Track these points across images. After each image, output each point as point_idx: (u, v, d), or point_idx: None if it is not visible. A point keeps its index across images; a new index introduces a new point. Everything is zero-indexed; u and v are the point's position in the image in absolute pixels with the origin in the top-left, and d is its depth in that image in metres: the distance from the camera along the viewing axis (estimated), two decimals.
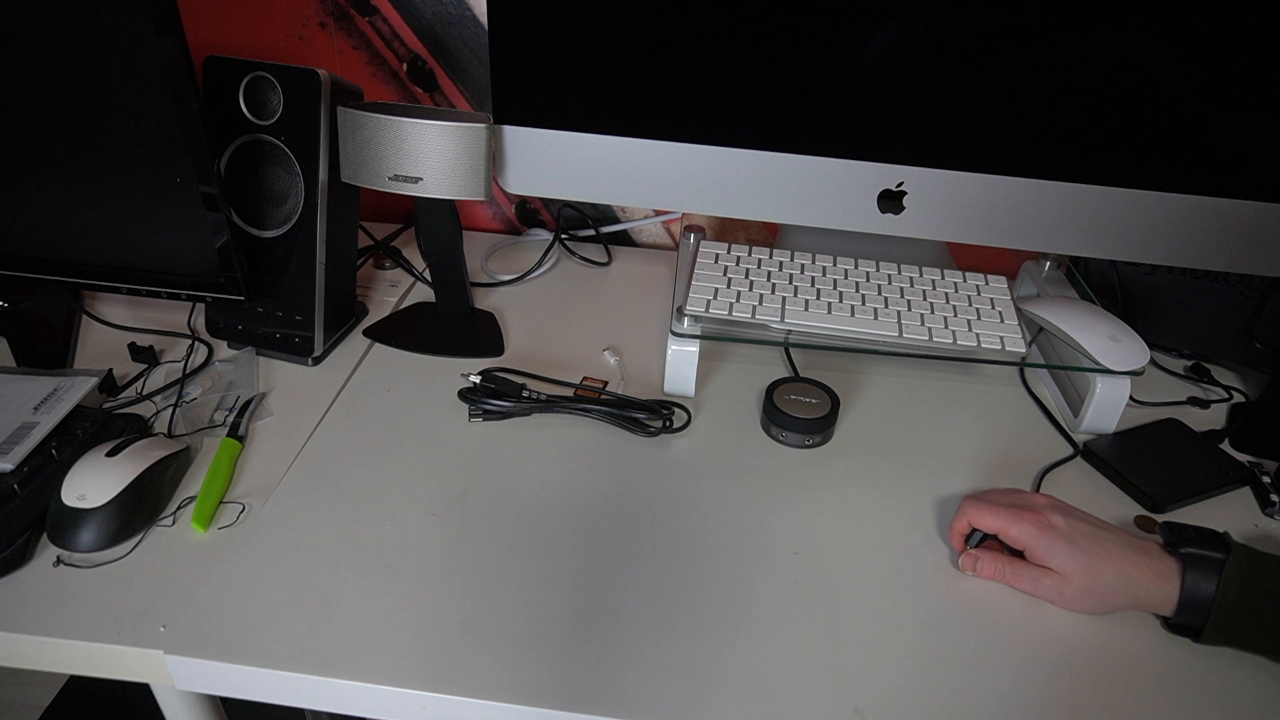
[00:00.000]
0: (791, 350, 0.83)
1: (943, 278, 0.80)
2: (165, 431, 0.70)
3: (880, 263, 0.81)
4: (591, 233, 1.04)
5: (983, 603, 0.58)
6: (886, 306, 0.75)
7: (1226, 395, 0.81)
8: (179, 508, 0.63)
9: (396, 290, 0.92)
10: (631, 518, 0.64)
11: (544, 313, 0.90)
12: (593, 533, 0.62)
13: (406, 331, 0.84)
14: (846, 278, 0.79)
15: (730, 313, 0.74)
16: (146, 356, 0.79)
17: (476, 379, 0.73)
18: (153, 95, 0.64)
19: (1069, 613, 0.58)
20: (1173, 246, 0.73)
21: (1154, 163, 0.69)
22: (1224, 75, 0.65)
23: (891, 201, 0.74)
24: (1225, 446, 0.74)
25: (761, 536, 0.63)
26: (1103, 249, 0.74)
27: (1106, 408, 0.73)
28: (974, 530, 0.60)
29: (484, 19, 0.92)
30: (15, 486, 0.61)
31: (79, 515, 0.59)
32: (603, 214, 1.05)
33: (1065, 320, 0.74)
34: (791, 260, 0.81)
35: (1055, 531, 0.57)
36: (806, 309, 0.74)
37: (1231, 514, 0.67)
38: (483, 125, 0.70)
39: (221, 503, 0.64)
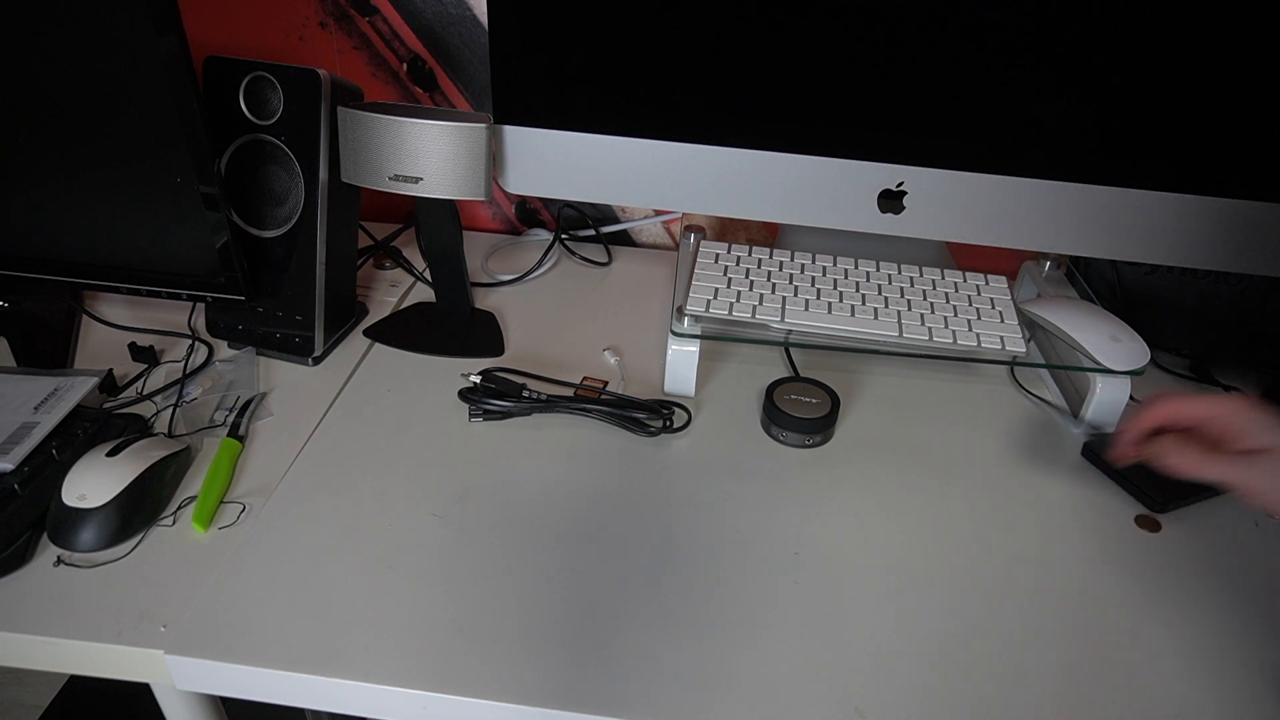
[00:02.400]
0: (791, 350, 0.83)
1: (943, 278, 0.80)
2: (165, 431, 0.70)
3: (880, 263, 0.81)
4: (591, 233, 1.04)
5: (983, 601, 0.58)
6: (886, 306, 0.75)
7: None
8: (179, 508, 0.63)
9: (396, 290, 0.92)
10: (632, 518, 0.64)
11: (544, 313, 0.90)
12: (593, 533, 0.62)
13: (406, 331, 0.84)
14: (846, 278, 0.79)
15: (730, 312, 0.74)
16: (147, 356, 0.79)
17: (476, 379, 0.73)
18: (153, 95, 0.64)
19: (1071, 613, 0.57)
20: (1173, 246, 0.73)
21: (1154, 163, 0.69)
22: (1224, 74, 0.65)
23: (891, 201, 0.74)
24: None
25: (761, 536, 0.63)
26: (1103, 249, 0.74)
27: (1107, 407, 0.73)
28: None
29: (484, 19, 0.92)
30: (15, 486, 0.61)
31: (79, 515, 0.59)
32: (603, 214, 1.05)
33: (1065, 320, 0.74)
34: (791, 260, 0.81)
35: (1263, 409, 0.54)
36: (806, 309, 0.74)
37: (1233, 514, 0.67)
38: (483, 125, 0.70)
39: (221, 503, 0.64)
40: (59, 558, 0.59)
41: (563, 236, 1.03)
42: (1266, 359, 0.79)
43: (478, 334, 0.84)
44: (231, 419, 0.71)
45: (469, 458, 0.69)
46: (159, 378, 0.77)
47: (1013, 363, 0.76)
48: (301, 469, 0.67)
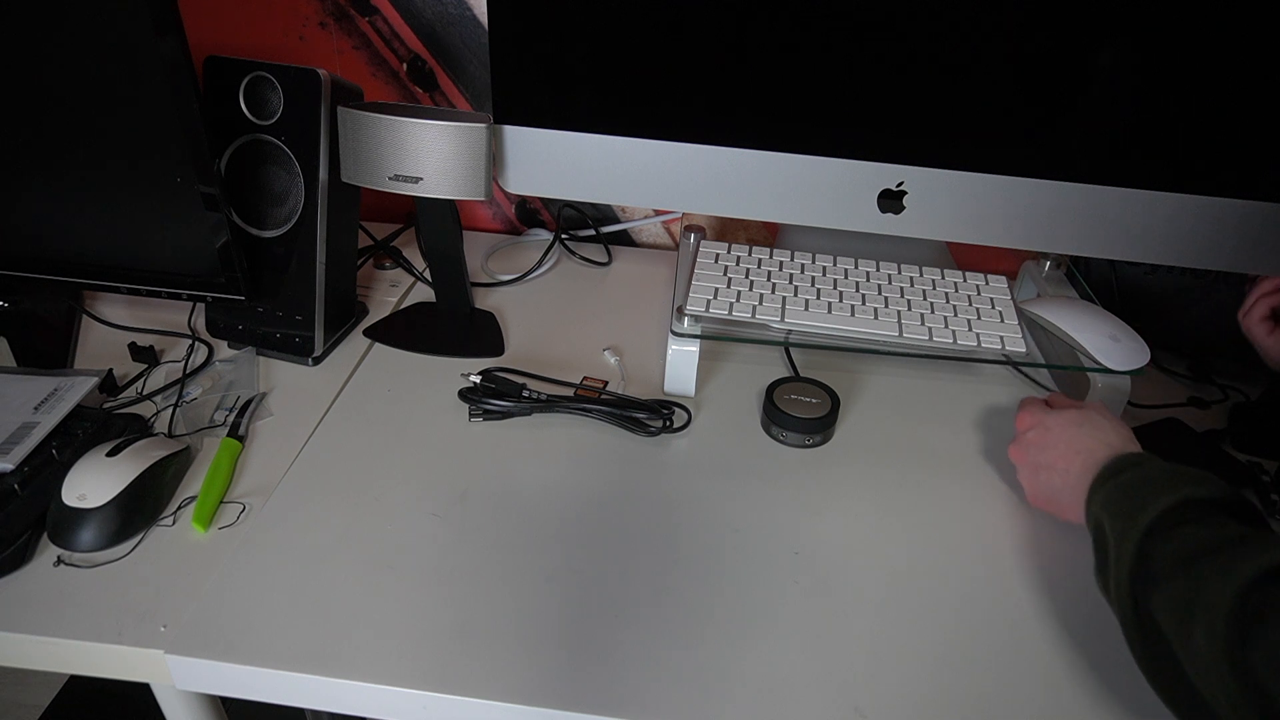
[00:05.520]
0: (791, 350, 0.83)
1: (943, 278, 0.80)
2: (165, 431, 0.70)
3: (880, 263, 0.81)
4: (591, 233, 1.04)
5: (983, 601, 0.58)
6: (886, 306, 0.75)
7: (1226, 395, 0.81)
8: (179, 508, 0.63)
9: (396, 290, 0.92)
10: (632, 518, 0.64)
11: (544, 313, 0.90)
12: (593, 533, 0.62)
13: (406, 331, 0.84)
14: (846, 278, 0.79)
15: (730, 312, 0.74)
16: (147, 356, 0.79)
17: (476, 379, 0.73)
18: (153, 95, 0.64)
19: (1072, 612, 0.58)
20: (1173, 246, 0.73)
21: (1154, 163, 0.69)
22: (1224, 75, 0.65)
23: (891, 201, 0.74)
24: (1226, 447, 0.74)
25: (761, 536, 0.63)
26: (1103, 249, 0.74)
27: (1107, 407, 0.73)
28: None
29: (484, 19, 0.92)
30: (15, 486, 0.61)
31: (79, 515, 0.59)
32: (603, 214, 1.05)
33: (1065, 320, 0.74)
34: (791, 260, 0.81)
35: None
36: (806, 309, 0.74)
37: None
38: (483, 125, 0.70)
39: (222, 503, 0.64)
40: (59, 558, 0.59)
41: (563, 236, 1.03)
42: None
43: (478, 334, 0.84)
44: (231, 419, 0.71)
45: (469, 458, 0.69)
46: (159, 378, 0.77)
47: (1013, 363, 0.76)
48: (301, 469, 0.67)
